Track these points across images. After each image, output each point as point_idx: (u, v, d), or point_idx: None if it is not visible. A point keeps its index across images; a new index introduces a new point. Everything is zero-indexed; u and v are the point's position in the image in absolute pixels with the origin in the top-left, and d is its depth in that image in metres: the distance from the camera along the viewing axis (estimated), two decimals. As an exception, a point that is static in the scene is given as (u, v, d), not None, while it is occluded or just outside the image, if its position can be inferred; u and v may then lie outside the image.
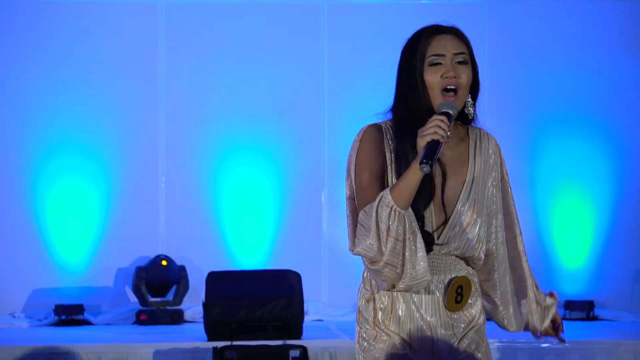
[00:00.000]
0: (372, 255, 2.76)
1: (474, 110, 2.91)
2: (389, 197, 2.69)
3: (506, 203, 3.04)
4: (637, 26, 8.10)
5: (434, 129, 2.70)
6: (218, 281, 7.38)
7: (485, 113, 8.16)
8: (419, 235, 2.73)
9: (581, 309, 7.89)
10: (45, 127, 7.74)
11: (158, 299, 7.65)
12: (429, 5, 8.10)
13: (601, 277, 8.14)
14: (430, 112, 2.83)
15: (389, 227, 2.71)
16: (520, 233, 3.08)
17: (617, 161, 8.15)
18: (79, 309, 7.55)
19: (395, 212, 2.70)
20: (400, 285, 2.78)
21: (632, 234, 8.12)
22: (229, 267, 7.75)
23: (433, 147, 2.69)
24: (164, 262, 7.67)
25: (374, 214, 2.71)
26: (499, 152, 2.97)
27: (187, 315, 7.67)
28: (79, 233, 7.80)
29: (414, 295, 2.87)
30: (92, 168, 7.81)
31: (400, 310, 2.90)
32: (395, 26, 8.08)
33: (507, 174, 3.00)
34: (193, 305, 7.62)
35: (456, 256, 2.88)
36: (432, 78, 2.85)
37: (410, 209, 2.72)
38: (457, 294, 2.87)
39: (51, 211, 7.78)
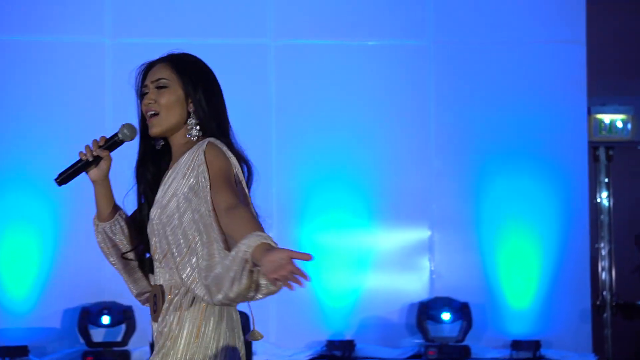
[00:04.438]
0: None
1: (197, 132, 2.97)
2: (95, 215, 3.09)
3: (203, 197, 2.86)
4: (580, 67, 8.23)
5: (85, 148, 2.96)
6: (166, 322, 7.35)
7: (432, 152, 8.31)
8: (119, 248, 3.04)
9: (528, 349, 7.94)
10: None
11: (104, 340, 7.59)
12: (375, 47, 8.18)
13: (548, 316, 8.20)
14: (145, 141, 3.03)
15: (98, 240, 3.08)
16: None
17: (563, 200, 8.25)
18: (24, 350, 7.46)
19: (95, 225, 3.07)
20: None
21: (578, 274, 8.20)
22: (177, 308, 7.70)
23: (73, 164, 2.96)
24: (107, 307, 7.61)
25: None
26: (196, 155, 2.87)
27: (134, 356, 7.60)
28: (24, 273, 7.72)
29: None
30: (39, 208, 7.75)
31: None
32: (342, 67, 8.16)
33: (200, 173, 2.85)
34: (140, 346, 7.57)
35: (160, 264, 2.93)
36: (142, 107, 3.00)
37: (105, 223, 3.04)
38: (153, 303, 2.94)
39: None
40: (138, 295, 3.09)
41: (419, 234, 8.23)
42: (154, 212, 2.89)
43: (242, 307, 7.65)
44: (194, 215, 2.81)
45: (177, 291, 2.87)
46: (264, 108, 8.07)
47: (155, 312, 2.92)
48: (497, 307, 8.17)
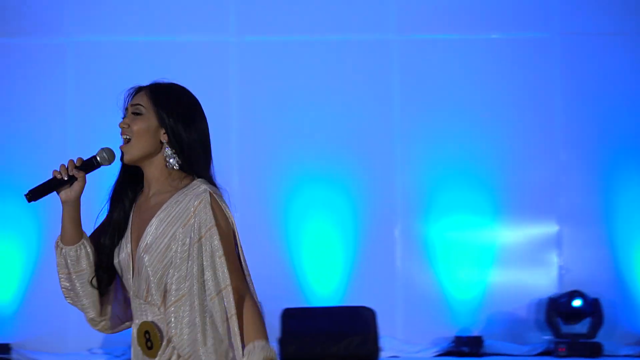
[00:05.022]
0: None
1: (175, 161, 2.95)
2: (58, 237, 2.94)
3: (208, 260, 2.90)
4: None
5: (60, 167, 2.90)
6: (293, 318, 7.40)
7: (559, 145, 8.17)
8: (84, 274, 2.93)
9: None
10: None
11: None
12: (499, 40, 8.08)
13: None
14: (125, 165, 2.98)
15: (58, 263, 2.95)
16: (225, 289, 2.89)
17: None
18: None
19: (58, 248, 2.93)
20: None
21: None
22: (303, 304, 7.75)
23: (47, 181, 2.88)
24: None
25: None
26: (201, 209, 2.89)
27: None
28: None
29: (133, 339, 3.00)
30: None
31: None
32: (464, 61, 8.08)
33: (207, 230, 2.89)
34: (268, 342, 7.62)
35: (147, 301, 2.91)
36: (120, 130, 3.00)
37: (70, 247, 2.92)
38: (146, 339, 2.91)
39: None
40: (96, 323, 3.02)
41: (547, 228, 8.10)
42: (147, 258, 2.88)
43: (370, 302, 7.63)
44: (198, 272, 2.87)
45: None
46: (387, 104, 8.05)
47: (151, 349, 2.90)
48: (630, 303, 7.98)
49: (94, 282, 2.97)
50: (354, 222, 8.00)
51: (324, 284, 7.97)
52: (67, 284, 2.96)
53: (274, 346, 7.47)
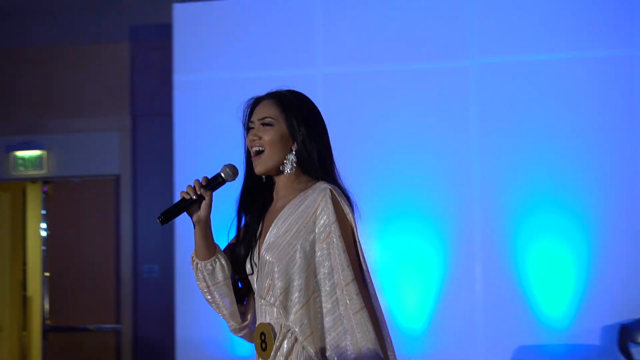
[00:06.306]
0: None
1: (290, 168, 3.02)
2: (193, 252, 3.10)
3: (328, 254, 2.95)
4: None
5: (187, 188, 2.99)
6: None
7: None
8: (221, 285, 3.05)
9: None
10: (526, 184, 7.89)
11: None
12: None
13: None
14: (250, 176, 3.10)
15: (196, 277, 3.00)
16: (348, 285, 2.91)
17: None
18: (564, 366, 7.58)
19: (194, 263, 3.08)
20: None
21: None
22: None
23: (177, 203, 2.95)
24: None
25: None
26: (322, 205, 2.93)
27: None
28: (560, 291, 7.83)
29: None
30: (571, 226, 7.83)
31: None
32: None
33: (328, 226, 2.92)
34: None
35: (270, 303, 2.97)
36: (247, 142, 3.08)
37: (205, 261, 3.04)
38: (261, 340, 2.98)
39: (532, 269, 7.88)
40: (238, 330, 3.14)
41: None
42: (270, 254, 2.97)
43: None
44: (317, 270, 2.95)
45: (288, 328, 2.95)
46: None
47: (265, 350, 2.98)
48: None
49: (236, 286, 3.17)
50: None
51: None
52: (209, 297, 3.13)
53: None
